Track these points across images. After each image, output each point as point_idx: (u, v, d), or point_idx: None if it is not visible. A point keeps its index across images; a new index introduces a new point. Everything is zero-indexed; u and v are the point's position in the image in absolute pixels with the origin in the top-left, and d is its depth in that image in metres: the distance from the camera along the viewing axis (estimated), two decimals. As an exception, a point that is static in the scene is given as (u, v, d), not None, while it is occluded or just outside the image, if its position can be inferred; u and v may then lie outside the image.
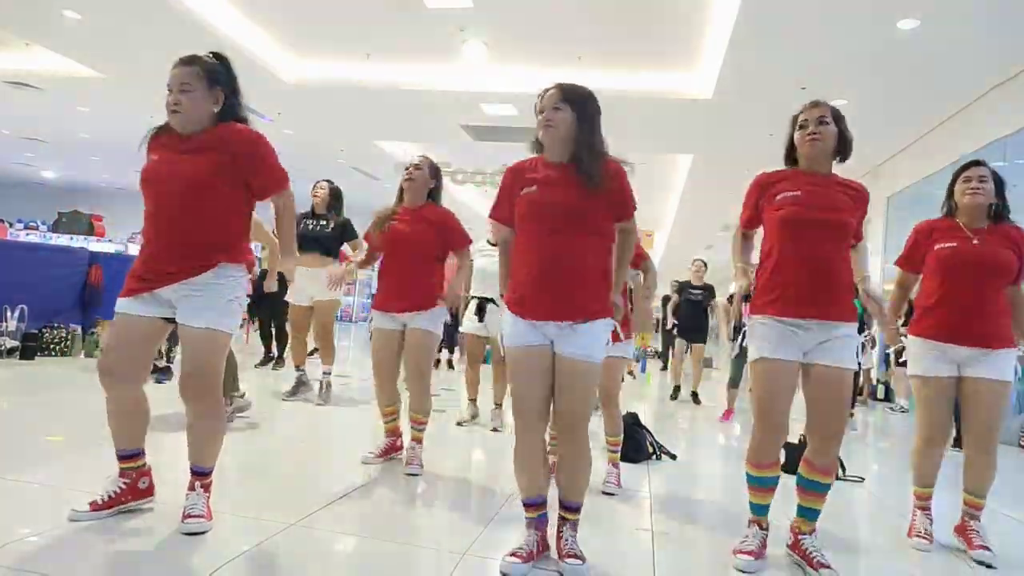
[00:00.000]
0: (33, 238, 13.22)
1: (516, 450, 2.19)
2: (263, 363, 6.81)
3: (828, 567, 2.24)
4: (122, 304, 2.24)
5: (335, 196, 5.14)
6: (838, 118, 2.42)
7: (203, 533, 2.17)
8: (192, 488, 2.26)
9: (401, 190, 3.28)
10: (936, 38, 5.95)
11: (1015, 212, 2.80)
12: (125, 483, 2.29)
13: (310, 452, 3.46)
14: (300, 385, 5.01)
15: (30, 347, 5.76)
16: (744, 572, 2.27)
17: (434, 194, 3.31)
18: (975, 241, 2.63)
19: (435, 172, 3.32)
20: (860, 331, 2.49)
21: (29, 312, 5.83)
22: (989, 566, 2.50)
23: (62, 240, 13.82)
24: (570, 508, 2.21)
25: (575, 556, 2.13)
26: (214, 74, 2.26)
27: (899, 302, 2.92)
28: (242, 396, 4.04)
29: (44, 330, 6.00)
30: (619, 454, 3.34)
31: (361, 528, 2.40)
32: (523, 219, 2.20)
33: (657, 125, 9.07)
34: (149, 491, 2.36)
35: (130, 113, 10.34)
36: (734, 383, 6.02)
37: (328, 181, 5.21)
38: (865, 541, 2.78)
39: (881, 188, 10.11)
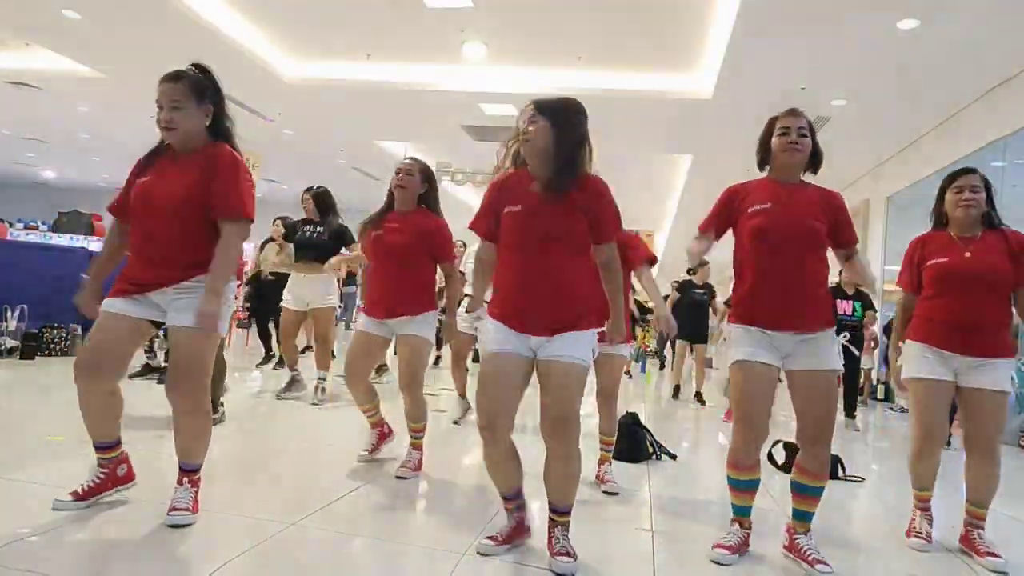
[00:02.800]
0: (33, 238, 13.22)
1: (486, 457, 2.23)
2: (263, 362, 6.82)
3: (824, 563, 2.26)
4: (110, 303, 2.28)
5: (321, 200, 5.14)
6: (813, 131, 2.45)
7: (187, 526, 2.19)
8: (180, 483, 2.30)
9: (391, 194, 3.19)
10: (936, 38, 5.95)
11: (1015, 212, 2.79)
12: (104, 472, 2.34)
13: (309, 452, 3.46)
14: (293, 383, 5.09)
15: (30, 347, 5.76)
16: (719, 563, 2.32)
17: (427, 198, 3.20)
18: (967, 254, 2.60)
19: (427, 176, 3.22)
20: (839, 332, 2.52)
21: (29, 312, 5.84)
22: (1004, 574, 2.47)
23: (62, 240, 13.82)
24: (560, 512, 2.23)
25: (566, 554, 2.15)
26: (202, 88, 2.30)
27: (901, 326, 2.82)
28: (221, 407, 4.04)
29: (44, 330, 6.00)
30: (612, 453, 3.35)
31: (360, 528, 2.40)
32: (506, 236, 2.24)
33: (657, 125, 9.08)
34: (128, 477, 2.41)
35: (130, 113, 10.35)
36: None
37: (308, 190, 5.21)
38: (865, 541, 2.78)
39: (881, 188, 10.12)
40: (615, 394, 3.29)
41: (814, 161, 2.46)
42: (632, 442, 3.92)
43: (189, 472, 2.32)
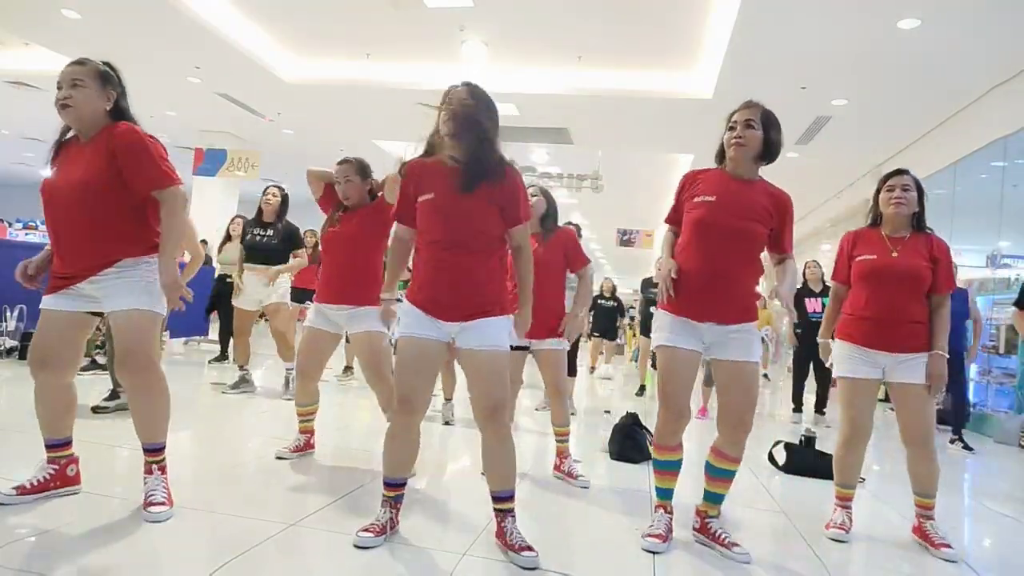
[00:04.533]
0: (33, 238, 13.20)
1: (392, 430, 2.26)
2: (218, 359, 6.83)
3: (738, 544, 2.36)
4: (46, 301, 2.32)
5: (285, 202, 5.16)
6: (768, 123, 2.43)
7: (165, 521, 2.21)
8: (149, 471, 2.32)
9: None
10: (936, 38, 5.96)
11: (1016, 211, 2.82)
12: (54, 469, 2.36)
13: (307, 453, 3.45)
14: (242, 382, 5.13)
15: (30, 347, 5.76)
16: (653, 552, 2.37)
17: (375, 192, 3.30)
18: (894, 253, 2.70)
19: (363, 172, 3.30)
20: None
21: (29, 312, 5.83)
22: (954, 563, 2.55)
23: (62, 240, 13.78)
24: (503, 498, 2.27)
25: (528, 548, 2.17)
26: (105, 75, 2.32)
27: (833, 315, 2.94)
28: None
29: (44, 330, 5.99)
30: (568, 443, 3.38)
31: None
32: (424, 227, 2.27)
33: (657, 125, 9.08)
34: (76, 479, 2.43)
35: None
36: (708, 382, 6.00)
37: (279, 187, 5.21)
38: (865, 541, 2.78)
39: (881, 188, 10.11)
40: (564, 387, 3.33)
41: (767, 153, 2.44)
42: (632, 442, 3.93)
43: (153, 452, 2.32)
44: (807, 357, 6.32)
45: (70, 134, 2.36)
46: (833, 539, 2.72)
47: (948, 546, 2.60)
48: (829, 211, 12.18)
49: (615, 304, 9.72)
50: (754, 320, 2.44)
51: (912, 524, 2.78)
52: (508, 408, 2.25)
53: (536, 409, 5.55)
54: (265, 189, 5.18)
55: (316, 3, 6.82)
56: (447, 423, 4.53)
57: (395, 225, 2.40)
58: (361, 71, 8.33)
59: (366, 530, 2.22)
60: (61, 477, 2.37)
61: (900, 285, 2.68)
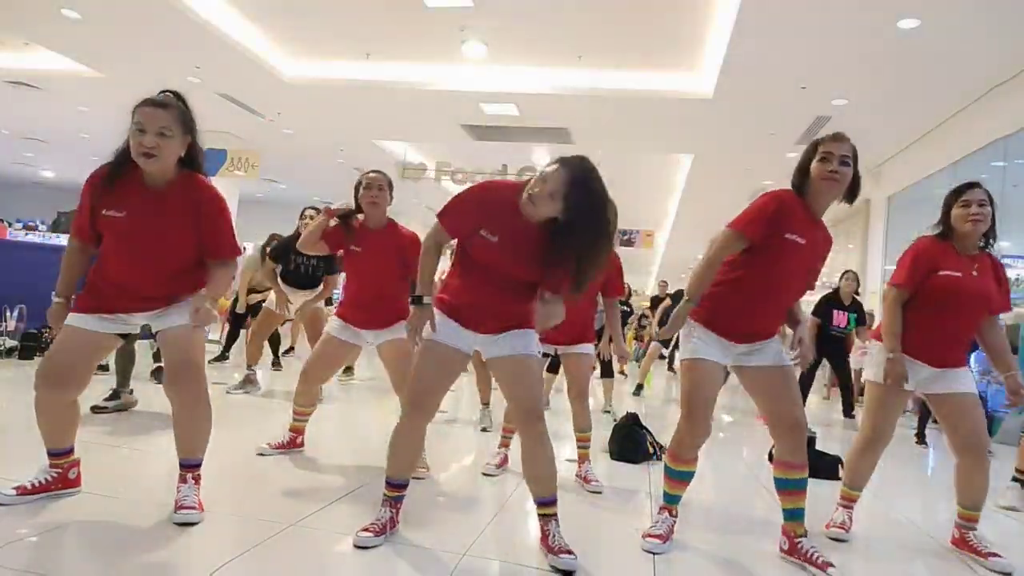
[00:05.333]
0: (33, 238, 13.20)
1: (400, 431, 2.27)
2: (218, 359, 6.82)
3: (832, 565, 2.26)
4: (76, 319, 2.25)
5: None
6: (855, 159, 2.36)
7: (195, 524, 2.20)
8: (184, 480, 2.31)
9: (358, 208, 3.16)
10: (936, 38, 5.96)
11: (1016, 211, 2.81)
12: (56, 472, 2.36)
13: (308, 452, 3.45)
14: (246, 382, 5.15)
15: (30, 347, 5.75)
16: (653, 553, 2.36)
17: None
18: (973, 272, 2.61)
19: (391, 187, 3.23)
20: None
21: (29, 312, 5.82)
22: (1008, 574, 2.45)
23: (62, 240, 13.80)
24: (547, 503, 2.26)
25: (567, 551, 2.16)
26: (187, 120, 2.26)
27: (896, 324, 2.62)
28: (130, 392, 4.11)
29: (44, 330, 5.98)
30: (588, 449, 3.38)
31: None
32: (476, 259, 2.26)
33: (657, 125, 9.08)
34: (77, 481, 2.43)
35: (130, 113, 10.34)
36: None
37: (317, 209, 5.13)
38: (865, 541, 2.78)
39: (881, 188, 10.12)
40: (586, 390, 3.38)
41: (852, 190, 2.38)
42: (632, 442, 3.93)
43: (192, 468, 2.33)
44: (820, 364, 6.33)
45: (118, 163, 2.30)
46: (833, 539, 2.71)
47: (998, 555, 2.51)
48: (829, 211, 12.11)
49: (628, 309, 9.87)
50: (777, 334, 2.48)
51: (952, 536, 2.70)
52: (543, 409, 2.28)
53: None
54: (303, 212, 5.21)
55: (316, 3, 6.82)
56: (484, 430, 4.45)
57: (436, 227, 2.25)
58: (361, 71, 8.33)
59: (366, 530, 2.22)
60: (63, 480, 2.37)
61: (975, 306, 2.60)
